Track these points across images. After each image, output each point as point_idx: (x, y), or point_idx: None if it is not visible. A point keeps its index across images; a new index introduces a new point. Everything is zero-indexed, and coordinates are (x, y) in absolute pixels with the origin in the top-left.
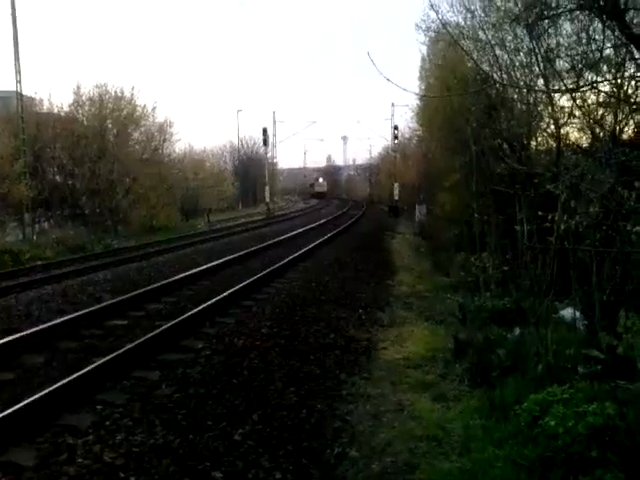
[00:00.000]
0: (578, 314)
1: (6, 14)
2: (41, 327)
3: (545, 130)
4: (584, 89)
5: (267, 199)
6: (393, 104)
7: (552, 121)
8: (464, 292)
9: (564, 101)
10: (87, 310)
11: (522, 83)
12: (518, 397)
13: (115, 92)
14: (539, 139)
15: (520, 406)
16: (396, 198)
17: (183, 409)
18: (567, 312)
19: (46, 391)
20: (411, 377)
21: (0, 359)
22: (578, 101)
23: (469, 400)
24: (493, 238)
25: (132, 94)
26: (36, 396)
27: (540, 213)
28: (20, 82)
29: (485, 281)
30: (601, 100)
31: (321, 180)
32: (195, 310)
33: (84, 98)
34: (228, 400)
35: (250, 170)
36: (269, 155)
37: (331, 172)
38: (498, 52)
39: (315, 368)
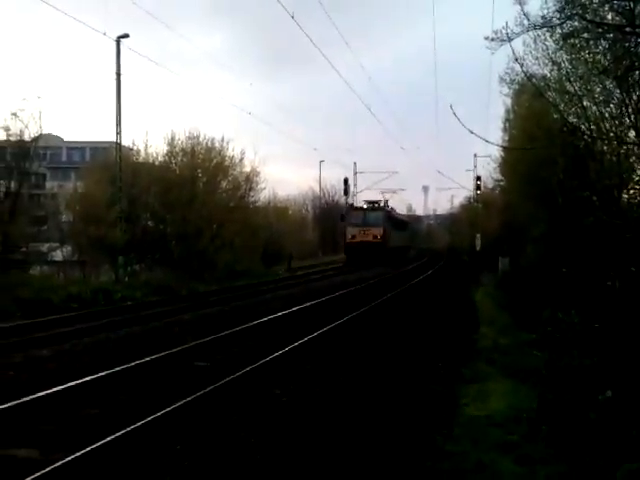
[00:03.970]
0: None
1: (111, 71)
2: (127, 366)
3: (638, 182)
4: None
5: None
6: (475, 155)
7: None
8: (550, 348)
9: None
10: (171, 351)
11: (612, 135)
12: (611, 464)
13: (206, 144)
14: (631, 191)
15: (614, 475)
16: (478, 249)
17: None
18: None
19: (121, 432)
20: (493, 436)
21: (88, 395)
22: None
23: (556, 464)
24: (583, 293)
25: (222, 145)
26: (112, 436)
27: (633, 268)
28: (120, 133)
29: (573, 338)
30: None
31: (364, 207)
32: (274, 355)
33: (177, 149)
34: (303, 455)
35: (331, 218)
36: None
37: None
38: (586, 104)
39: (393, 423)
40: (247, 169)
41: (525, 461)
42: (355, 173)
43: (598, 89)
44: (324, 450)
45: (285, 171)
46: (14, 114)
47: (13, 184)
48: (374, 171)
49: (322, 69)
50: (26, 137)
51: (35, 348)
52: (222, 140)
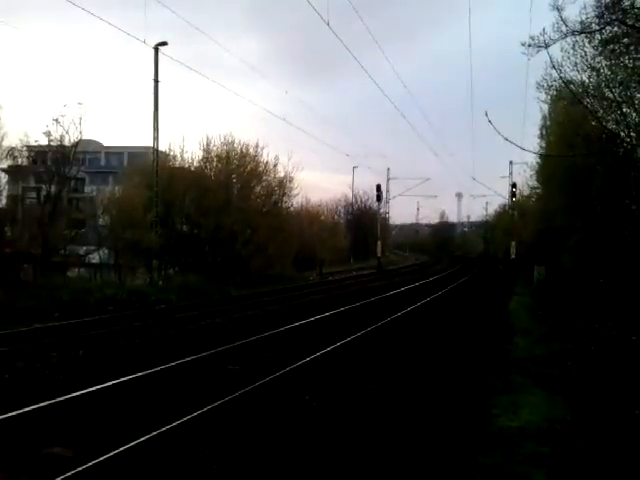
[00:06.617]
0: None
1: (149, 78)
2: (159, 368)
3: None
4: None
5: (378, 253)
6: (511, 162)
7: None
8: (586, 360)
9: None
10: (204, 354)
11: None
12: None
13: (241, 149)
14: None
15: None
16: (512, 257)
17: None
18: None
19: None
20: (526, 448)
21: (118, 397)
22: None
23: (590, 478)
24: (620, 304)
25: (256, 151)
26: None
27: None
28: (157, 139)
29: (610, 350)
30: None
31: None
32: (305, 360)
33: (212, 155)
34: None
35: (363, 224)
36: (382, 210)
37: (443, 228)
38: (626, 110)
39: (424, 433)
40: (281, 175)
41: (558, 475)
42: (388, 179)
43: (638, 95)
44: (356, 462)
45: (318, 177)
46: (56, 120)
47: (53, 188)
48: (407, 177)
49: (356, 75)
50: (66, 142)
51: (70, 350)
52: (256, 146)
